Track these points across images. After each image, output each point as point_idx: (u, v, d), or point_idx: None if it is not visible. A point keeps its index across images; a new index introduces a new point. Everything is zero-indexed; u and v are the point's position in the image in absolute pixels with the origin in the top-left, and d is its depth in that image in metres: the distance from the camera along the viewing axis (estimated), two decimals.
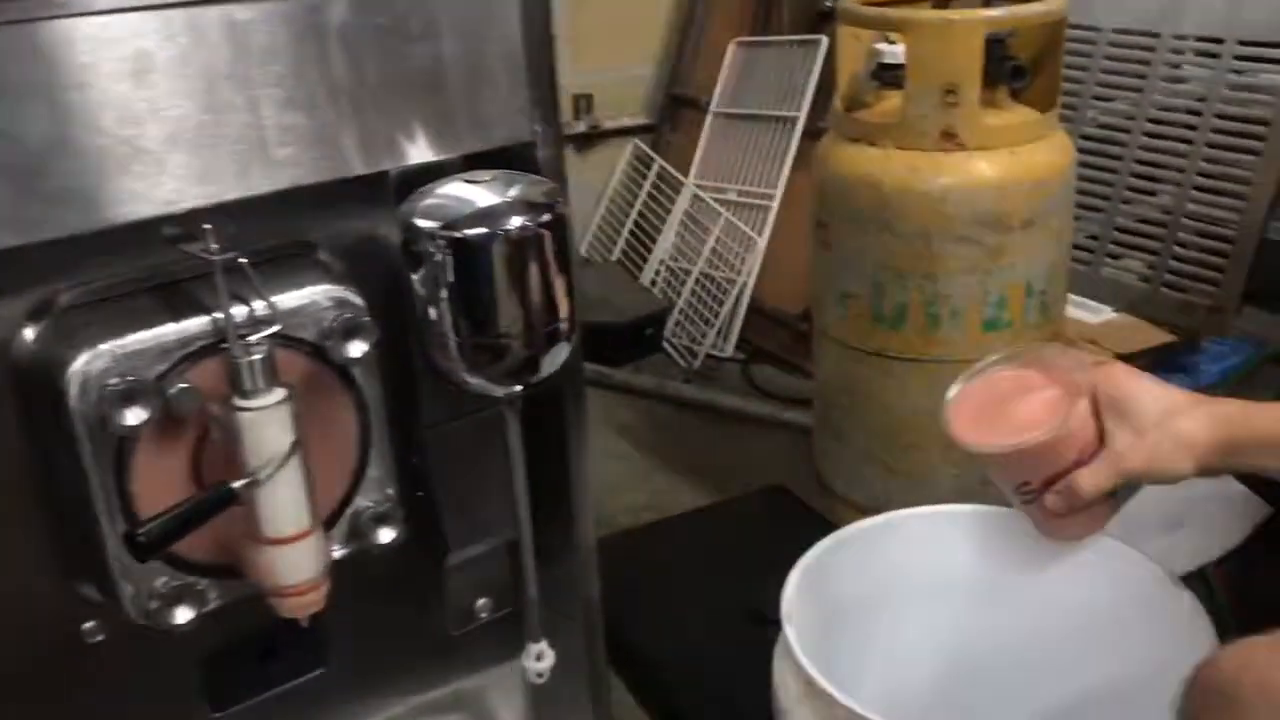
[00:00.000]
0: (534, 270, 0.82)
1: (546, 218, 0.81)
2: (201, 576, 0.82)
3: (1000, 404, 0.97)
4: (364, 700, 1.08)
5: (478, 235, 0.79)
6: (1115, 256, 2.09)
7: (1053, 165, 1.70)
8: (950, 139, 1.64)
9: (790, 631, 1.08)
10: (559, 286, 0.84)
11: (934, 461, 1.74)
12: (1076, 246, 2.18)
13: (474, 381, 0.86)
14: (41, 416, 0.79)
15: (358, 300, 0.84)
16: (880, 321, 1.74)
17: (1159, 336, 2.03)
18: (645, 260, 3.05)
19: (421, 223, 0.81)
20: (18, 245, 0.73)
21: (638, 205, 3.13)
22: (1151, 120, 2.04)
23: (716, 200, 2.88)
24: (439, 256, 0.80)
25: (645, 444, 2.43)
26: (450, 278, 0.80)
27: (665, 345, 2.86)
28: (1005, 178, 1.65)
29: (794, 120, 2.75)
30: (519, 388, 0.87)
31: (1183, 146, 2.03)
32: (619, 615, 1.80)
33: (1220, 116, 1.95)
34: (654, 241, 3.04)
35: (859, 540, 1.26)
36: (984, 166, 1.65)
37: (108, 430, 0.76)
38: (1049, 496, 0.94)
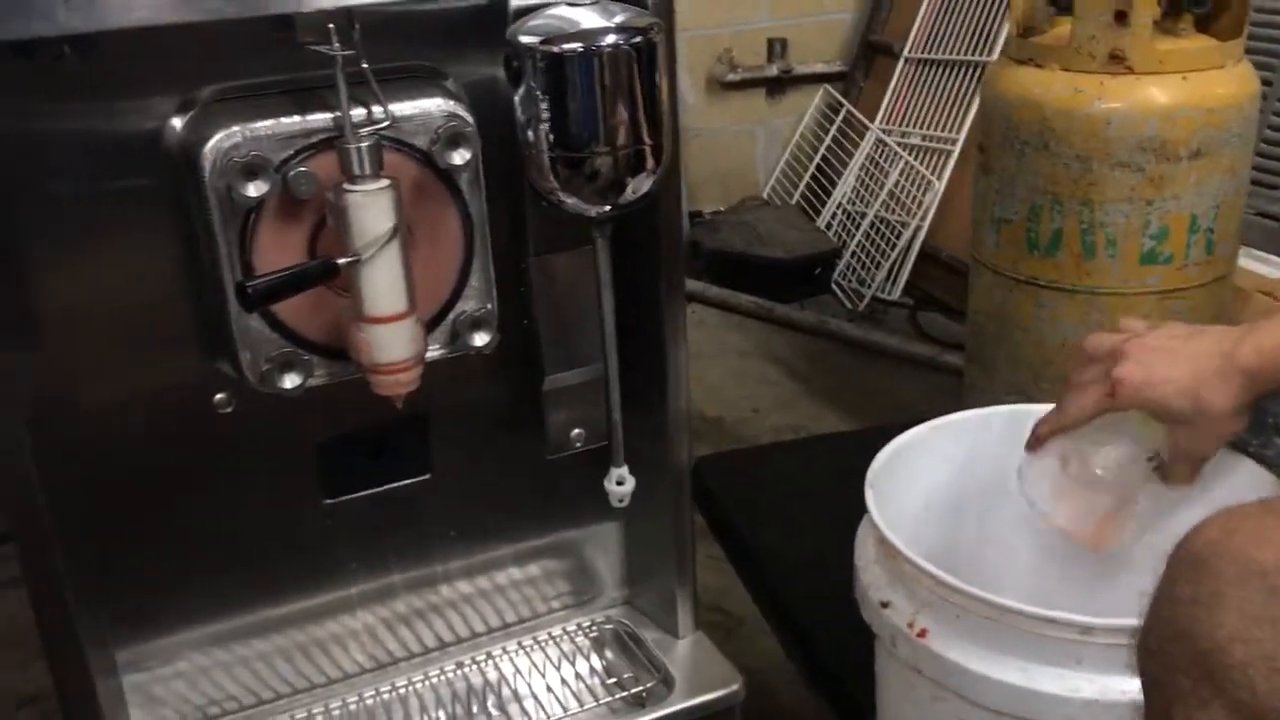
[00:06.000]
0: (621, 89, 0.87)
1: (638, 40, 0.86)
2: (310, 351, 0.92)
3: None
4: (465, 521, 1.16)
5: (570, 50, 0.85)
6: None
7: (1229, 96, 1.63)
8: (1118, 61, 1.60)
9: (870, 495, 1.11)
10: (645, 111, 0.89)
11: None
12: (1266, 215, 2.07)
13: (568, 201, 0.92)
14: (186, 195, 0.90)
15: (467, 115, 0.91)
16: (1034, 248, 1.71)
17: None
18: (824, 204, 3.05)
19: (523, 39, 0.87)
20: (178, 23, 0.82)
21: (822, 150, 3.13)
22: None
23: (899, 144, 2.86)
24: (535, 71, 0.87)
25: (799, 374, 2.45)
26: (543, 92, 0.87)
27: (834, 287, 2.86)
28: (1174, 104, 1.59)
29: (984, 65, 2.69)
30: (608, 208, 0.92)
31: None
32: (745, 517, 1.86)
33: None
34: (834, 186, 3.04)
35: (956, 428, 1.27)
36: (1153, 91, 1.60)
37: (235, 202, 0.86)
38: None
